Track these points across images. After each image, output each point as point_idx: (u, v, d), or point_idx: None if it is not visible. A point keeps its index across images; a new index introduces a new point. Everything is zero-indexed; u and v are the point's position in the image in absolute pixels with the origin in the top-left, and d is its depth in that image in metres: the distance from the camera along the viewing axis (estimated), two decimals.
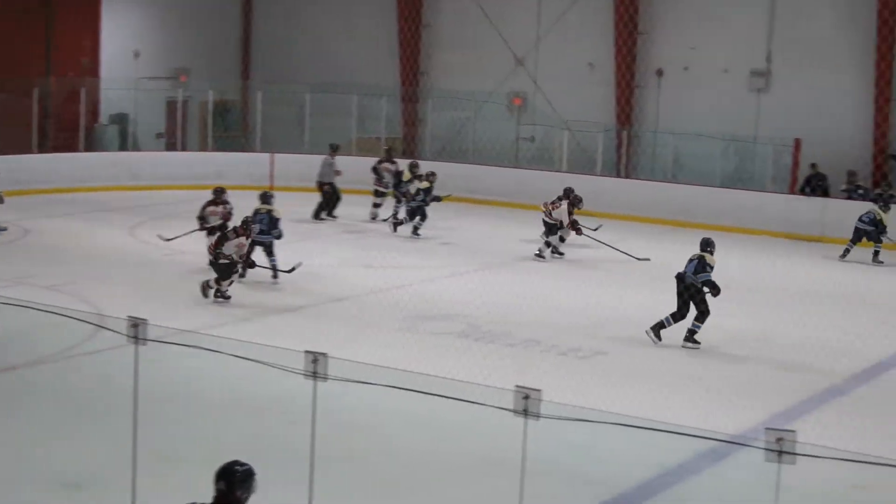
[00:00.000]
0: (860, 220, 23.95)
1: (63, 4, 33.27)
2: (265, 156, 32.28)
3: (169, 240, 20.12)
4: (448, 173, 30.81)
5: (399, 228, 25.69)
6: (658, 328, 16.71)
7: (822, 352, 16.49)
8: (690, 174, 29.94)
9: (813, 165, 27.82)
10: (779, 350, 16.64)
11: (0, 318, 7.85)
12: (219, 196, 21.49)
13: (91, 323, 13.94)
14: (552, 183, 29.57)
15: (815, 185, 27.69)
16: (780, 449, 6.45)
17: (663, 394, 14.21)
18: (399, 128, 34.88)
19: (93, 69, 34.29)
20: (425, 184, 25.54)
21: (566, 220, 23.14)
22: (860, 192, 26.85)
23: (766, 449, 6.46)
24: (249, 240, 19.03)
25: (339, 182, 27.73)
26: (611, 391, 13.97)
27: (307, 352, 7.37)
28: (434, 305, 18.83)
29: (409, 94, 34.92)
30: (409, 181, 26.48)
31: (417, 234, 25.39)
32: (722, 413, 13.46)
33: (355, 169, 29.83)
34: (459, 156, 32.61)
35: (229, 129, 35.62)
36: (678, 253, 21.97)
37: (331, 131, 33.36)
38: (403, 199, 26.21)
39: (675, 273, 16.82)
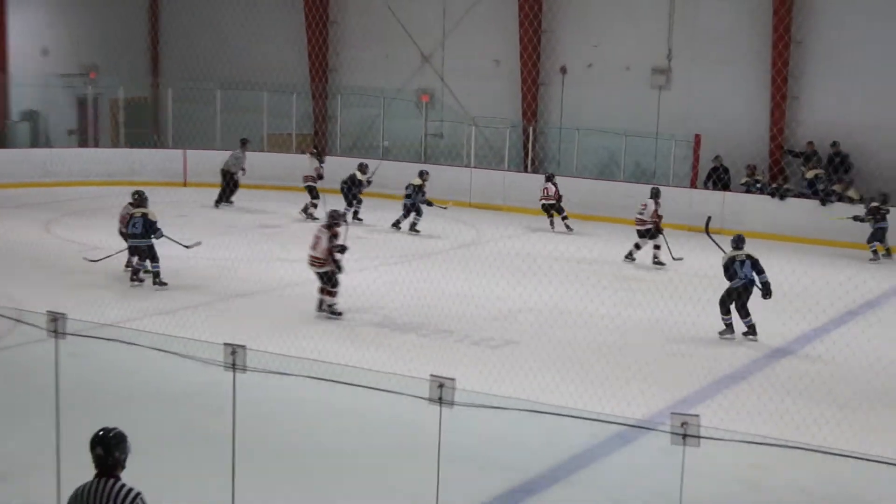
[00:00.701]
0: None
1: None
2: (178, 152, 32.14)
3: (96, 261, 19.36)
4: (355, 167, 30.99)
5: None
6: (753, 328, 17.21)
7: (722, 340, 16.86)
8: (594, 170, 30.23)
9: (716, 158, 28.14)
10: (681, 338, 16.91)
11: None
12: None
13: (9, 318, 13.84)
14: (461, 177, 29.83)
15: (717, 179, 28.07)
16: (685, 433, 6.61)
17: (573, 382, 14.40)
18: (310, 124, 34.82)
19: (1, 66, 33.86)
20: (417, 181, 25.66)
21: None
22: (758, 185, 27.30)
23: (672, 433, 6.62)
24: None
25: (245, 177, 28.07)
26: (522, 380, 14.14)
27: (226, 344, 7.44)
28: (350, 298, 18.87)
29: (318, 90, 34.90)
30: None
31: (416, 231, 25.75)
32: (629, 399, 13.68)
33: (267, 164, 29.82)
34: (370, 152, 32.63)
35: (141, 125, 35.34)
36: (584, 247, 22.34)
37: (242, 128, 33.29)
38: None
39: (742, 280, 17.00)
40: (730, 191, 27.74)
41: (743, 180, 27.64)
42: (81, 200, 28.27)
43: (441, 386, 6.98)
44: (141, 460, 6.88)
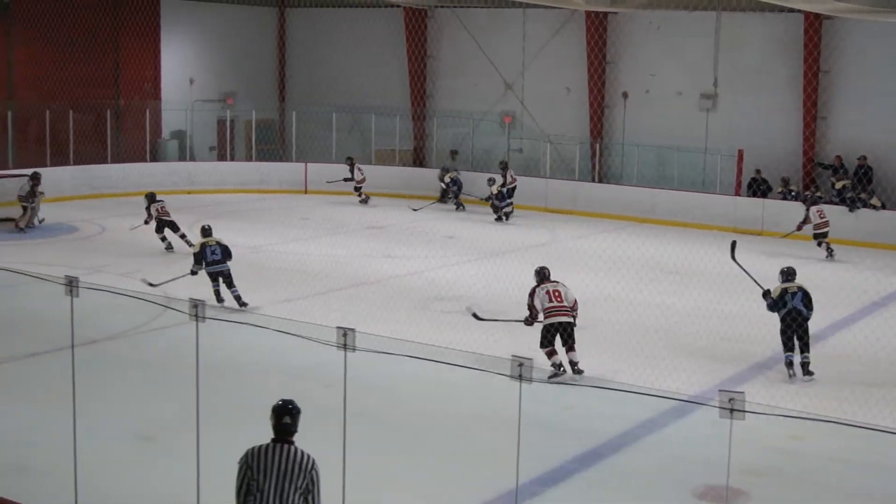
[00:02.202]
0: None
1: (129, 39, 33.25)
2: (300, 165, 32.30)
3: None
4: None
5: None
6: (807, 367, 14.00)
7: (766, 326, 16.50)
8: (651, 179, 29.91)
9: (757, 171, 27.86)
10: (728, 325, 16.62)
11: (82, 299, 7.86)
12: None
13: (159, 304, 13.92)
14: (538, 186, 29.67)
15: (757, 188, 27.75)
16: (732, 407, 6.44)
17: (635, 361, 14.22)
18: (410, 141, 34.84)
19: (155, 93, 34.28)
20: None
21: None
22: (793, 193, 26.85)
23: (720, 407, 6.45)
24: None
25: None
26: (592, 359, 13.97)
27: (338, 327, 7.37)
28: (443, 289, 18.83)
29: (417, 113, 34.88)
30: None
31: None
32: (684, 377, 13.48)
33: (374, 175, 29.89)
34: (460, 165, 32.62)
35: (269, 142, 35.58)
36: (640, 247, 22.06)
37: (353, 144, 33.43)
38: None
39: (789, 309, 14.10)
40: (768, 198, 27.36)
41: (779, 189, 27.21)
42: (219, 205, 28.50)
43: (521, 365, 6.86)
44: (267, 426, 6.82)
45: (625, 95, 31.43)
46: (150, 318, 15.60)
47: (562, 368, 13.31)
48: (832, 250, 23.15)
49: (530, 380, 6.88)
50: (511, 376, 6.91)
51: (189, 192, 29.68)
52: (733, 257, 15.02)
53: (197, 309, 8.02)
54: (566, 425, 11.69)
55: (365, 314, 16.29)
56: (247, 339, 13.32)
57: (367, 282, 19.44)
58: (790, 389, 13.22)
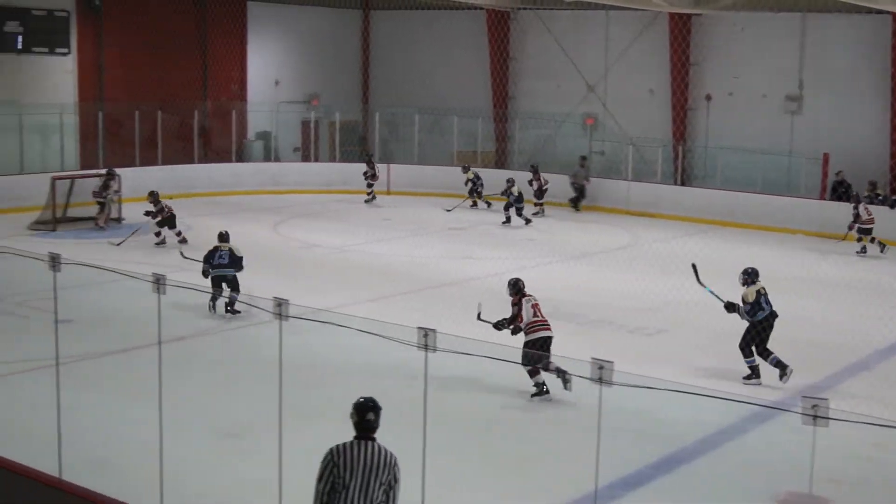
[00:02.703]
0: None
1: (216, 41, 33.70)
2: (382, 166, 32.41)
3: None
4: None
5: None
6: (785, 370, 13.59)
7: (849, 332, 16.22)
8: (735, 182, 29.53)
9: (838, 173, 27.34)
10: (811, 330, 16.37)
11: (169, 297, 7.98)
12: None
13: (244, 302, 14.11)
14: (619, 188, 29.49)
15: (841, 193, 27.23)
16: (815, 414, 6.34)
17: (716, 366, 14.07)
18: (492, 143, 34.83)
19: (241, 94, 34.71)
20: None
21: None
22: (880, 198, 26.34)
23: (804, 414, 6.35)
24: None
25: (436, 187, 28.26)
26: (672, 364, 13.85)
27: (419, 328, 7.39)
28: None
29: (499, 115, 34.86)
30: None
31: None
32: (765, 384, 13.31)
33: (455, 177, 29.91)
34: (542, 167, 32.49)
35: (353, 144, 35.83)
36: (721, 250, 21.82)
37: (435, 146, 33.54)
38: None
39: (769, 312, 13.78)
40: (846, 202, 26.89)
41: (865, 193, 26.67)
42: (303, 205, 28.76)
43: (601, 367, 6.82)
44: (348, 424, 6.87)
45: (708, 98, 31.11)
46: (236, 316, 15.80)
47: (545, 387, 12.71)
48: (884, 245, 23.40)
49: (610, 383, 6.84)
50: (591, 379, 6.87)
51: (273, 193, 29.97)
52: (698, 280, 14.29)
53: (281, 308, 8.09)
54: (646, 429, 11.59)
55: (445, 315, 16.30)
56: (329, 339, 13.43)
57: (447, 283, 19.47)
58: (874, 396, 12.98)
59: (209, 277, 16.80)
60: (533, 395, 12.67)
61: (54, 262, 10.30)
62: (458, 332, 11.48)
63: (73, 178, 25.30)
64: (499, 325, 13.11)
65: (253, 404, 11.93)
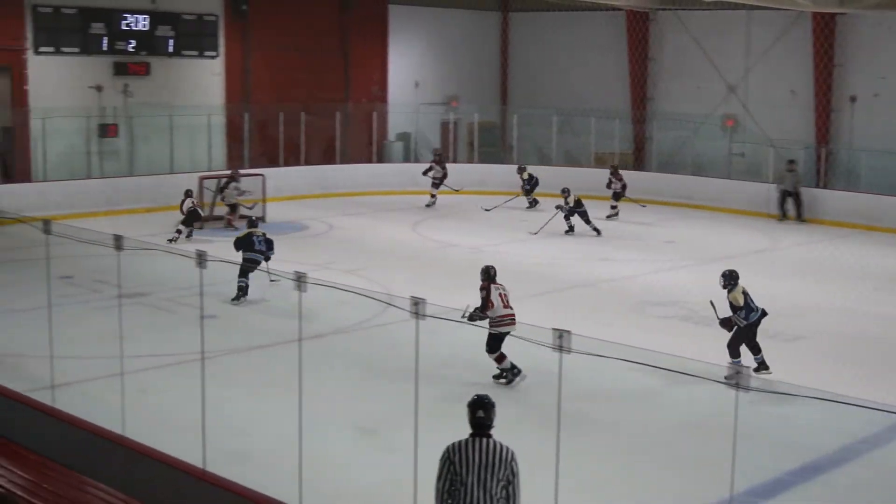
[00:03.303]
0: None
1: (358, 44, 34.14)
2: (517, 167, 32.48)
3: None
4: (669, 183, 30.56)
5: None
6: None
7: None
8: (880, 186, 28.67)
9: None
10: None
11: (310, 294, 8.12)
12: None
13: (381, 301, 14.26)
14: (760, 191, 28.90)
15: None
16: None
17: (858, 373, 13.71)
18: (630, 144, 34.52)
19: (382, 96, 35.11)
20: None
21: None
22: None
23: None
24: None
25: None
26: (813, 370, 13.54)
27: (554, 329, 7.36)
28: (659, 293, 18.60)
29: (637, 116, 34.53)
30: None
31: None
32: None
33: (592, 178, 29.72)
34: (680, 168, 32.14)
35: (490, 145, 35.90)
36: (866, 255, 21.24)
37: (572, 147, 33.39)
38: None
39: (762, 312, 13.34)
40: None
41: None
42: (440, 206, 28.92)
43: (737, 373, 6.71)
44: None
45: (852, 99, 30.26)
46: (374, 314, 15.98)
47: (516, 369, 12.94)
48: None
49: (747, 388, 6.74)
50: (726, 383, 6.78)
51: (412, 193, 30.20)
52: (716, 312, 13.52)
53: (417, 307, 8.16)
54: (784, 437, 11.35)
55: (580, 316, 16.24)
56: (465, 337, 13.51)
57: (583, 284, 19.38)
58: None
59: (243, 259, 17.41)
60: (497, 378, 12.97)
61: (201, 259, 10.59)
62: (592, 334, 11.47)
63: (219, 178, 25.92)
64: (473, 317, 13.01)
65: (389, 401, 12.07)
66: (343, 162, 32.34)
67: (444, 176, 28.93)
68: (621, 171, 28.05)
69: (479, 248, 22.55)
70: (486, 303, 13.01)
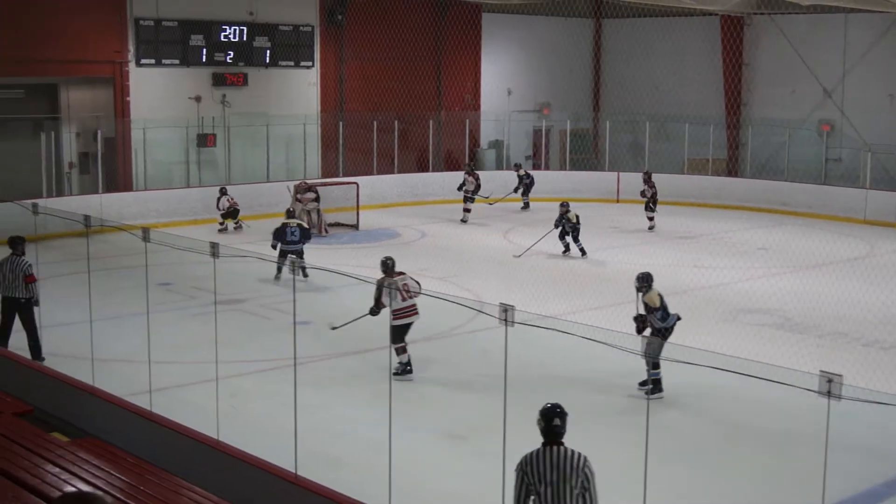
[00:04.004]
0: None
1: (451, 52, 34.30)
2: (612, 174, 32.28)
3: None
4: (764, 189, 30.14)
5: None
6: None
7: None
8: None
9: None
10: None
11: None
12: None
13: (472, 308, 14.30)
14: (856, 197, 28.36)
15: None
16: None
17: None
18: (724, 151, 34.13)
19: (474, 104, 35.21)
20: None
21: None
22: None
23: None
24: None
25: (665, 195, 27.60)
26: None
27: (643, 337, 7.32)
28: (752, 300, 18.34)
29: (732, 122, 34.15)
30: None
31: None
32: None
33: (686, 184, 29.44)
34: (775, 174, 31.67)
35: (582, 152, 35.79)
36: None
37: (666, 154, 33.10)
38: None
39: (678, 317, 13.07)
40: None
41: None
42: (532, 213, 28.88)
43: (829, 381, 6.60)
44: (571, 431, 6.89)
45: None
46: (465, 320, 16.03)
47: (409, 367, 13.38)
48: None
49: (839, 397, 6.62)
50: (819, 392, 6.67)
51: (504, 200, 30.23)
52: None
53: (507, 313, 8.17)
54: (878, 447, 11.12)
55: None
56: (554, 345, 13.45)
57: (675, 291, 19.16)
58: None
59: (278, 249, 19.31)
60: (397, 373, 13.24)
61: (293, 266, 10.70)
62: (684, 342, 11.36)
63: (314, 186, 26.19)
64: (373, 311, 13.41)
65: (478, 407, 12.09)
66: (435, 170, 32.48)
67: (478, 187, 28.15)
68: (654, 178, 27.07)
69: (569, 255, 22.48)
70: (377, 302, 13.32)
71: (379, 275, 13.52)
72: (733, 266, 21.67)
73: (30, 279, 13.81)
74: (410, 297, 13.44)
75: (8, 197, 19.76)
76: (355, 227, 26.24)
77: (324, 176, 30.35)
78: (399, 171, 31.55)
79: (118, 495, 7.53)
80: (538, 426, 6.91)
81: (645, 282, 13.12)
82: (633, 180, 30.13)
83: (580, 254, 22.54)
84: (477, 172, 29.03)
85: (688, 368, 8.28)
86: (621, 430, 11.06)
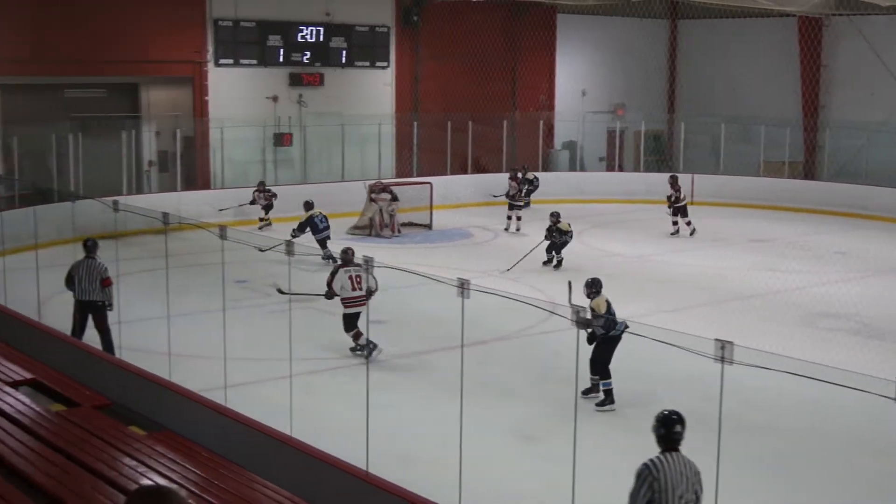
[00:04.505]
0: None
1: (526, 53, 34.23)
2: (687, 176, 31.93)
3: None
4: (841, 192, 29.65)
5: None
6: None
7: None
8: None
9: None
10: None
11: (473, 301, 8.17)
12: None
13: (544, 309, 14.27)
14: None
15: None
16: None
17: None
18: (800, 153, 33.64)
19: (549, 105, 35.11)
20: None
21: None
22: None
23: None
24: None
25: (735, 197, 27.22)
26: None
27: (717, 339, 7.25)
28: (828, 305, 18.07)
29: (809, 124, 33.64)
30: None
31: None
32: None
33: (761, 187, 29.04)
34: (853, 177, 31.14)
35: (657, 153, 35.53)
36: None
37: (741, 156, 32.70)
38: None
39: (625, 325, 12.41)
40: None
41: None
42: (606, 215, 28.76)
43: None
44: (640, 435, 6.84)
45: None
46: (537, 322, 16.00)
47: (372, 344, 13.70)
48: None
49: None
50: (895, 399, 6.55)
51: (577, 202, 30.11)
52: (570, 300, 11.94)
53: (578, 315, 8.16)
54: None
55: (745, 328, 15.90)
56: (626, 347, 13.37)
57: (749, 295, 18.97)
58: None
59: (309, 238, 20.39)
60: (355, 350, 14.32)
61: (368, 265, 10.77)
62: (758, 346, 11.22)
63: (389, 186, 26.30)
64: (327, 295, 14.48)
65: (550, 408, 12.06)
66: (509, 171, 32.39)
67: (519, 192, 26.93)
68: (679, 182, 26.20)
69: (643, 258, 22.34)
70: (330, 287, 14.35)
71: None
72: (809, 270, 21.35)
73: (106, 282, 13.80)
74: (360, 289, 14.01)
75: (89, 194, 20.14)
76: (428, 226, 26.30)
77: (398, 176, 30.47)
78: (473, 172, 31.56)
79: (193, 489, 7.63)
80: (655, 433, 6.88)
81: (593, 287, 13.05)
82: (708, 182, 29.90)
83: (555, 264, 21.41)
84: (524, 176, 28.21)
85: (762, 373, 8.17)
86: (694, 435, 10.96)
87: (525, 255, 21.09)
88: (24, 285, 15.35)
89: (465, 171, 31.47)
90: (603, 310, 12.70)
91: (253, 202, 26.15)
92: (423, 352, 14.86)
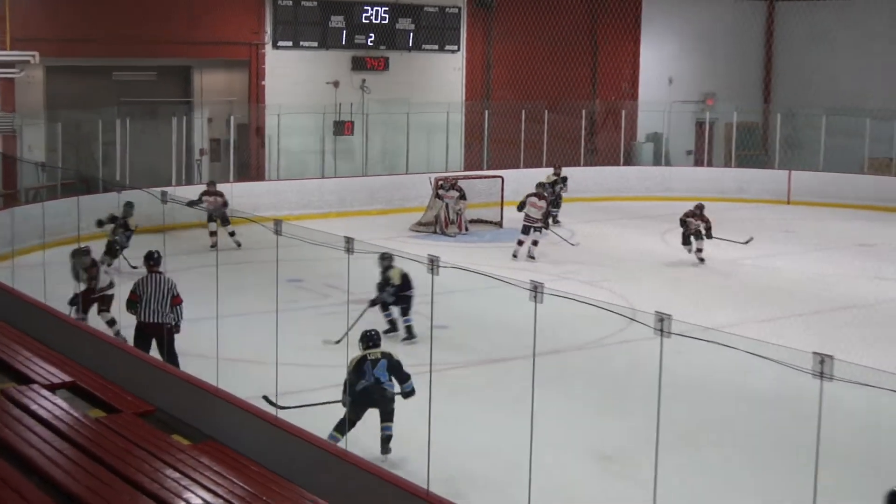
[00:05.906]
0: None
1: (607, 37, 34.04)
2: (783, 172, 31.53)
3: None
4: None
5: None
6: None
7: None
8: None
9: None
10: None
11: (546, 307, 8.05)
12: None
13: (624, 316, 14.12)
14: None
15: None
16: None
17: None
18: None
19: (632, 93, 34.87)
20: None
21: None
22: None
23: None
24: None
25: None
26: None
27: (815, 353, 7.06)
28: None
29: None
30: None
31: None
32: None
33: (865, 186, 28.54)
34: None
35: (750, 147, 35.09)
36: None
37: (844, 152, 32.17)
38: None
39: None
40: None
41: None
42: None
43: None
44: (725, 453, 6.68)
45: None
46: (616, 329, 15.83)
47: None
48: None
49: None
50: None
51: (662, 199, 29.84)
52: None
53: (662, 323, 8.00)
54: None
55: (848, 340, 15.59)
56: (715, 359, 13.15)
57: (854, 304, 18.63)
58: None
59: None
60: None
61: (433, 265, 10.70)
62: (863, 361, 10.98)
63: (455, 179, 26.26)
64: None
65: (630, 425, 11.90)
66: (588, 164, 32.22)
67: (547, 214, 23.87)
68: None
69: (735, 261, 22.04)
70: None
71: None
72: None
73: (176, 300, 13.10)
74: None
75: (136, 184, 20.28)
76: (499, 224, 26.19)
77: (467, 168, 30.42)
78: (548, 165, 31.39)
79: None
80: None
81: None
82: (807, 179, 29.43)
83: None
84: (554, 190, 26.54)
85: (864, 390, 7.97)
86: (785, 458, 10.75)
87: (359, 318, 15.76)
88: (66, 282, 15.44)
89: (539, 165, 31.30)
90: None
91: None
92: (490, 361, 14.76)
